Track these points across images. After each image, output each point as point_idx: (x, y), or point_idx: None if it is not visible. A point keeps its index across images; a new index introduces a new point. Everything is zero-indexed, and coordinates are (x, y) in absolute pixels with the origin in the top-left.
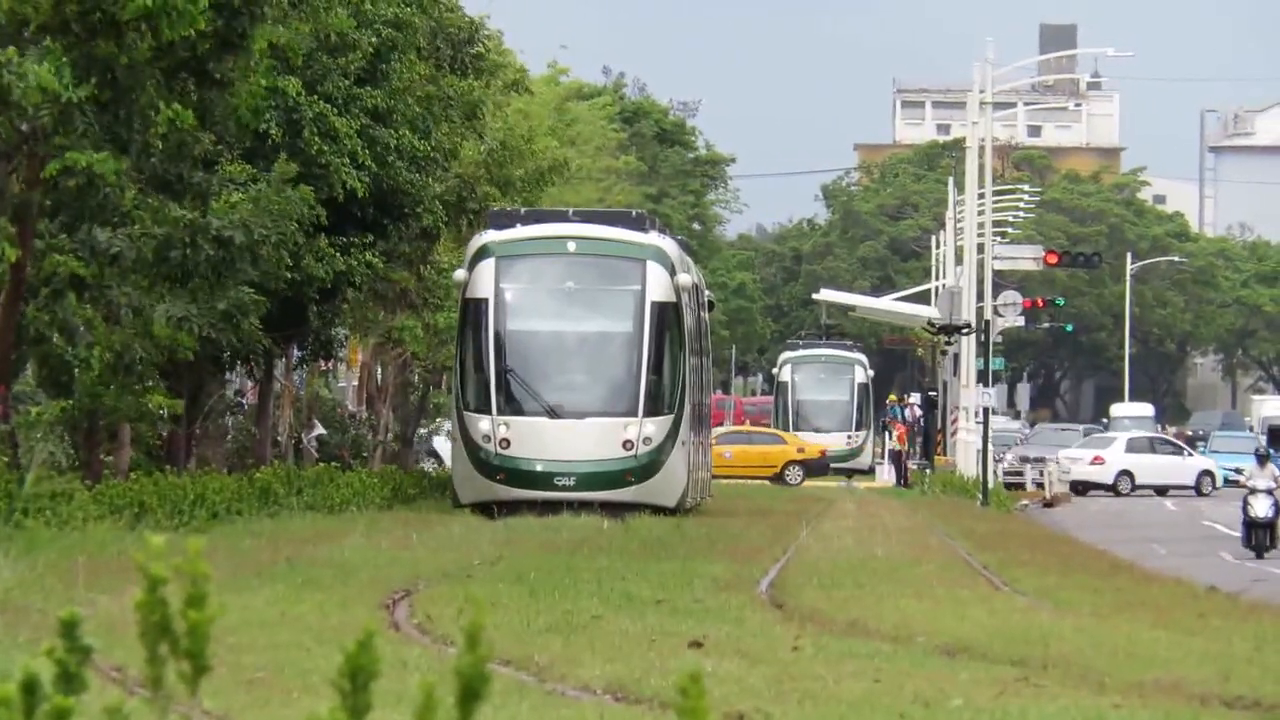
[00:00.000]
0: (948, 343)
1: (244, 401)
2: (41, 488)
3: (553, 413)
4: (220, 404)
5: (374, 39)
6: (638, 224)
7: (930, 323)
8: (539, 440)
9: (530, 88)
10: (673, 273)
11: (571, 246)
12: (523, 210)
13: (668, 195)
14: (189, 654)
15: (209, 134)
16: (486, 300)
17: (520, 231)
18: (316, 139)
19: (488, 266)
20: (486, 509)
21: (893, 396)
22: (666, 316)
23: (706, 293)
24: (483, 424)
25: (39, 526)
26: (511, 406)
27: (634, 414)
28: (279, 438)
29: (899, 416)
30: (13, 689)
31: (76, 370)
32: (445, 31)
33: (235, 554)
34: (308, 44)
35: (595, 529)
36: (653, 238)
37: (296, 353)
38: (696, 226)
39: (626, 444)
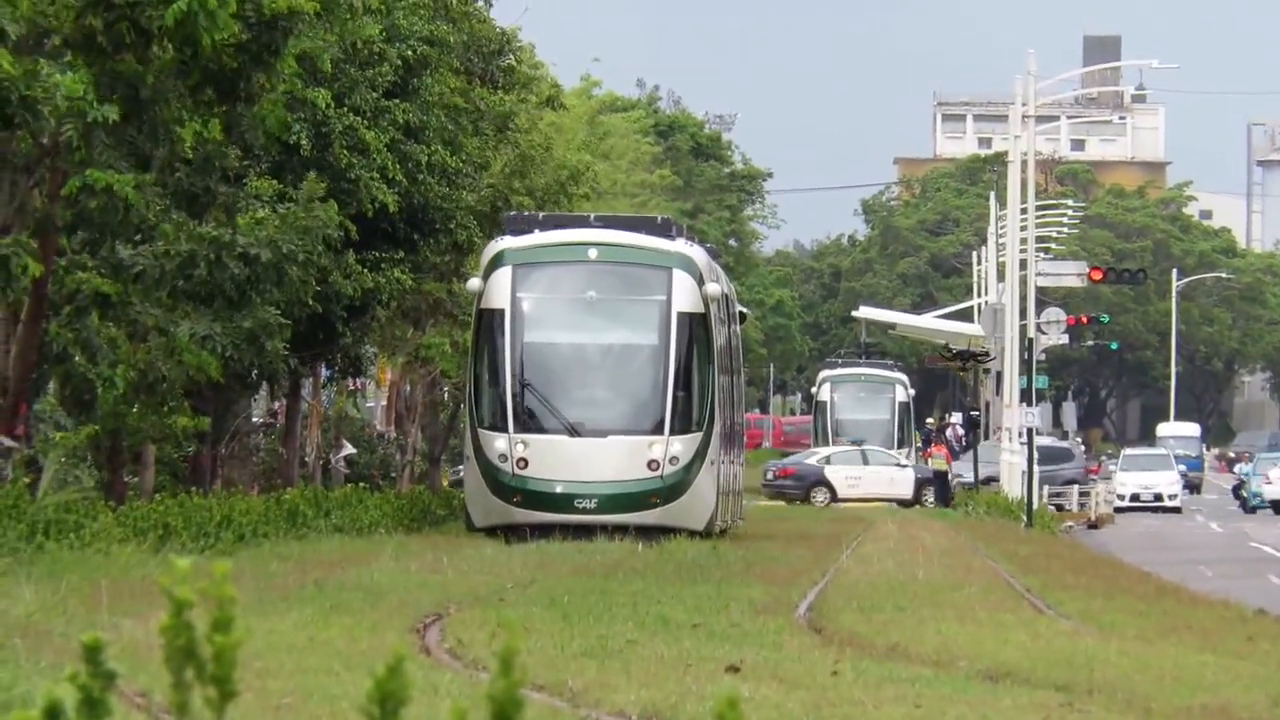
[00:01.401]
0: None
1: (275, 422)
2: (60, 497)
3: (573, 431)
4: (246, 424)
5: (407, 53)
6: (663, 230)
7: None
8: (559, 460)
9: (565, 103)
10: (701, 282)
11: (593, 254)
12: (541, 215)
13: (704, 210)
14: (215, 679)
15: (235, 148)
16: (503, 311)
17: (539, 238)
18: (345, 153)
19: (504, 275)
20: (511, 532)
21: (931, 420)
22: (694, 328)
23: (738, 305)
24: (499, 443)
25: (61, 549)
26: (529, 424)
27: (660, 432)
28: (307, 458)
29: (930, 438)
30: (36, 715)
31: (99, 390)
32: (476, 44)
33: (262, 577)
34: (334, 54)
35: (629, 552)
36: (679, 245)
37: (325, 371)
38: (733, 243)
39: (652, 464)
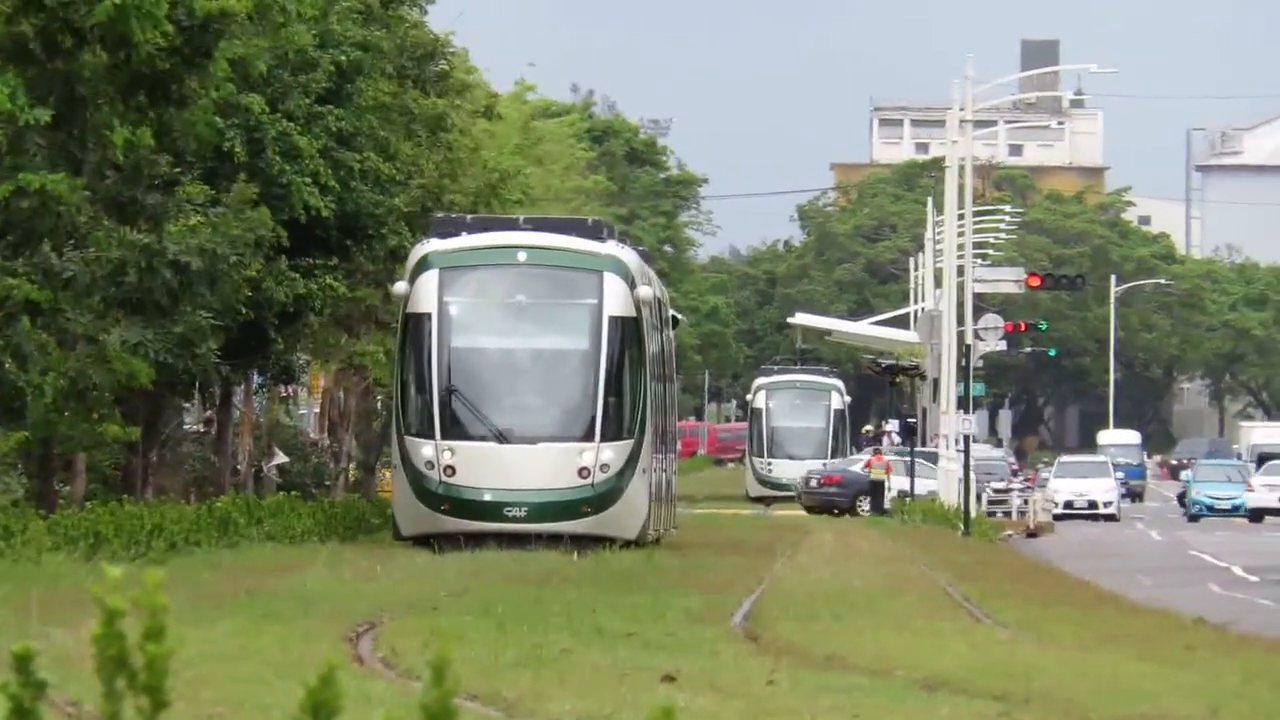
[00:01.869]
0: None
1: (210, 430)
2: None
3: (502, 437)
4: (178, 431)
5: (340, 59)
6: (594, 232)
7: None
8: (487, 467)
9: (500, 113)
10: (632, 285)
11: (522, 256)
12: (469, 218)
13: (638, 216)
14: (147, 688)
15: (166, 155)
16: (429, 315)
17: (466, 240)
18: (278, 158)
19: (430, 278)
20: (443, 540)
21: (868, 429)
22: (626, 332)
23: (671, 310)
24: (426, 450)
25: None
26: (457, 431)
27: (590, 439)
28: (239, 466)
29: (861, 445)
30: None
31: (30, 397)
32: (409, 48)
33: (194, 585)
34: (267, 60)
35: (564, 561)
36: (610, 247)
37: (257, 379)
38: (668, 249)
39: (583, 471)
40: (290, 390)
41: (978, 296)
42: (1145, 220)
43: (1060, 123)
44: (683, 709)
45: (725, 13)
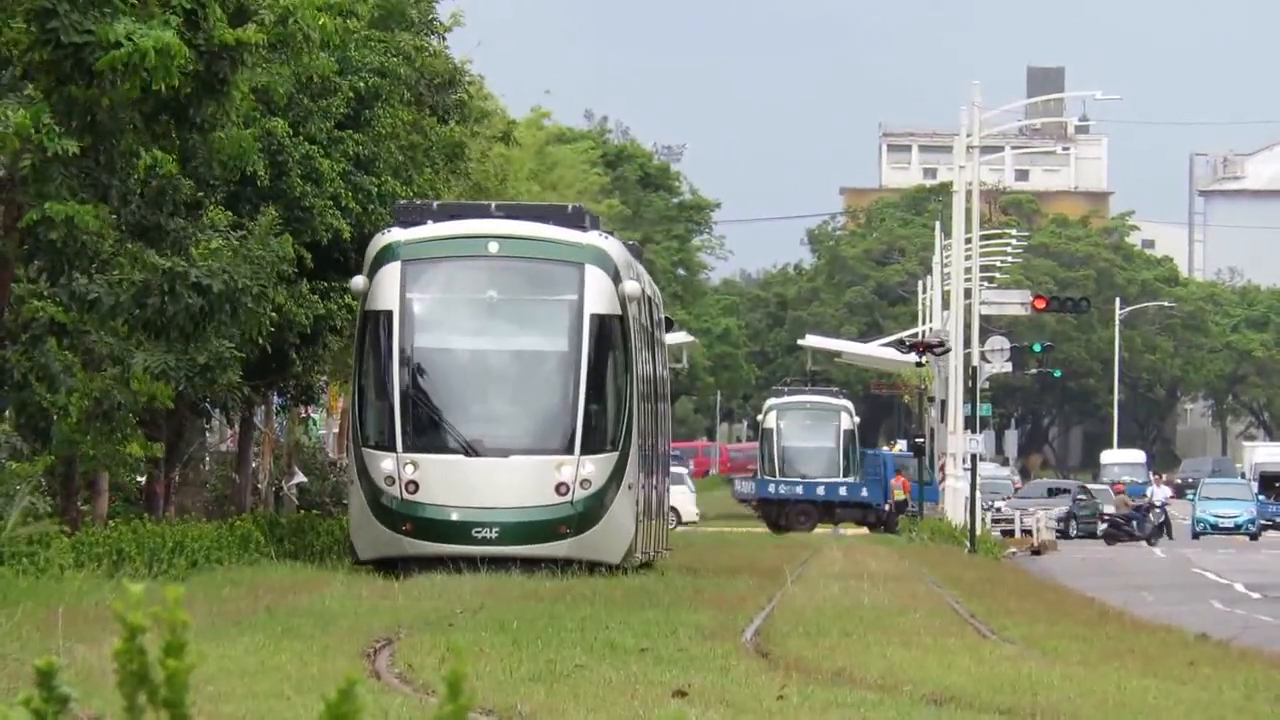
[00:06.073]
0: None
1: (232, 447)
2: (19, 532)
3: (470, 450)
4: (200, 450)
5: (359, 85)
6: (574, 220)
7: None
8: (454, 483)
9: (518, 139)
10: (617, 279)
11: (494, 247)
12: (435, 204)
13: (652, 240)
14: (167, 703)
15: (189, 180)
16: (390, 313)
17: (432, 229)
18: (300, 181)
19: (392, 272)
20: (391, 565)
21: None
22: (610, 332)
23: (663, 311)
24: (385, 463)
25: (16, 575)
26: (420, 442)
27: (570, 451)
28: (259, 485)
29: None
30: None
31: (55, 417)
32: (428, 77)
33: (214, 602)
34: (288, 87)
35: (578, 578)
36: (592, 237)
37: (277, 399)
38: (681, 272)
39: (560, 488)
40: (310, 410)
41: (984, 319)
42: (1149, 244)
43: (1065, 148)
44: None
45: (737, 40)
